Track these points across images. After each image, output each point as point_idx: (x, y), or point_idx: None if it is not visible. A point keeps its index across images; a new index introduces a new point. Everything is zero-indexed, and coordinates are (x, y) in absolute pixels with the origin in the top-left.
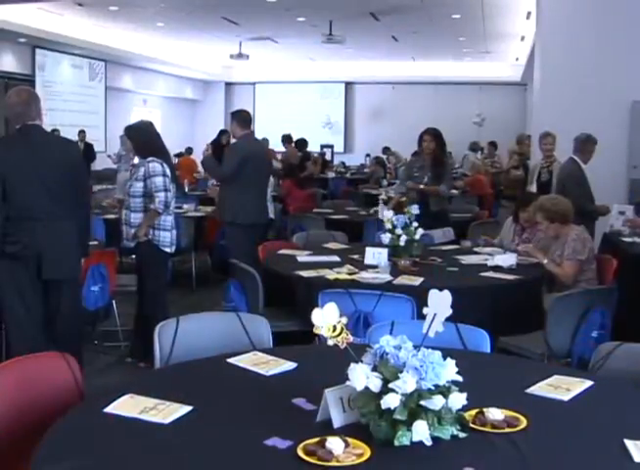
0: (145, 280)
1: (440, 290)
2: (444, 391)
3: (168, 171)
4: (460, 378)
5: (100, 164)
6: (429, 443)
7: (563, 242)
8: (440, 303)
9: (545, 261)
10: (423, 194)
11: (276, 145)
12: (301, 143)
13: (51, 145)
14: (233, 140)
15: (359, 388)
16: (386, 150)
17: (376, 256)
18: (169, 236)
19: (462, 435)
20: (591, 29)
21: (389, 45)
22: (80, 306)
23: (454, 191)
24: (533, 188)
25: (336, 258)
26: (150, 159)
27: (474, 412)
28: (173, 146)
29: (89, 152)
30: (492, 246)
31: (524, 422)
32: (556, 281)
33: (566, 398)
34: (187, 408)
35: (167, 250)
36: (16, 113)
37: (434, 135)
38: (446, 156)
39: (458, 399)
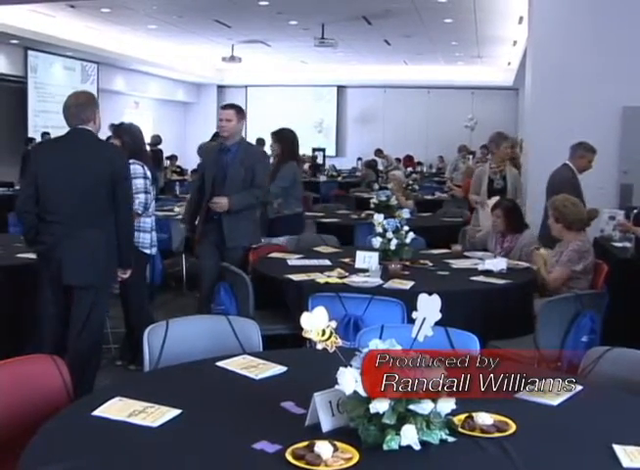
0: (126, 282)
1: (430, 294)
2: None
3: (149, 174)
4: None
5: None
6: (417, 447)
7: (563, 248)
8: (430, 307)
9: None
10: None
11: (267, 148)
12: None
13: (92, 151)
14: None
15: (348, 392)
16: (378, 152)
17: (366, 259)
18: (149, 238)
19: (451, 439)
20: (583, 34)
21: (382, 49)
22: (101, 318)
23: (444, 195)
24: (480, 198)
25: (326, 262)
26: (131, 161)
27: (463, 417)
28: (165, 149)
29: None
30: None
31: (513, 427)
32: (545, 286)
33: (555, 402)
34: (176, 412)
35: (147, 251)
36: (69, 114)
37: (275, 138)
38: (293, 159)
39: (447, 404)
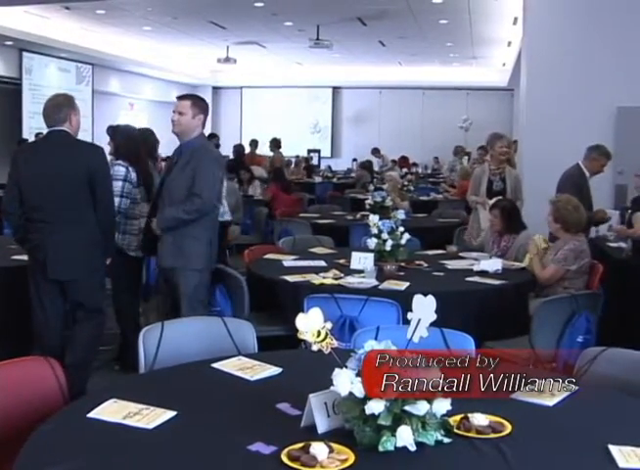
0: (113, 283)
1: (426, 295)
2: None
3: (133, 177)
4: None
5: None
6: (413, 448)
7: (559, 247)
8: (425, 308)
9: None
10: None
11: (262, 149)
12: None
13: (68, 151)
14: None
15: (344, 393)
16: (375, 151)
17: (362, 260)
18: (136, 240)
19: (446, 440)
20: (577, 35)
21: (377, 50)
22: (96, 308)
23: (439, 196)
24: (481, 199)
25: (322, 263)
26: (117, 162)
27: (458, 418)
28: (160, 150)
29: None
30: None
31: (508, 427)
32: (540, 285)
33: (550, 403)
34: (171, 413)
35: (133, 254)
36: (46, 115)
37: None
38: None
39: (442, 405)
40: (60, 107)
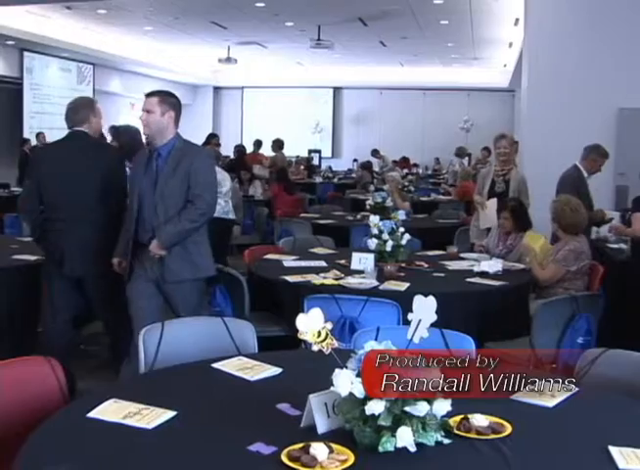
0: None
1: (426, 295)
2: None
3: None
4: None
5: None
6: (413, 449)
7: (560, 247)
8: (425, 308)
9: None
10: None
11: (265, 150)
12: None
13: (86, 152)
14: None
15: (344, 393)
16: (374, 153)
17: (362, 261)
18: None
19: (446, 441)
20: (579, 36)
21: (378, 50)
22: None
23: (439, 197)
24: (481, 199)
25: (322, 264)
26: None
27: (458, 418)
28: None
29: None
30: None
31: (508, 428)
32: (539, 285)
33: (550, 404)
34: (171, 414)
35: None
36: (66, 117)
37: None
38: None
39: (442, 406)
40: (78, 108)
